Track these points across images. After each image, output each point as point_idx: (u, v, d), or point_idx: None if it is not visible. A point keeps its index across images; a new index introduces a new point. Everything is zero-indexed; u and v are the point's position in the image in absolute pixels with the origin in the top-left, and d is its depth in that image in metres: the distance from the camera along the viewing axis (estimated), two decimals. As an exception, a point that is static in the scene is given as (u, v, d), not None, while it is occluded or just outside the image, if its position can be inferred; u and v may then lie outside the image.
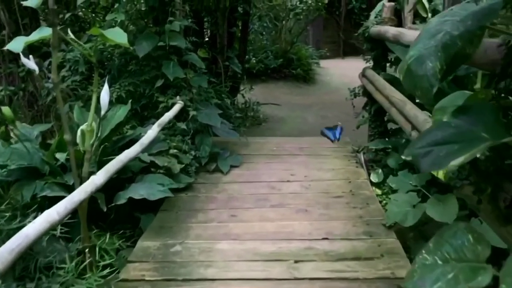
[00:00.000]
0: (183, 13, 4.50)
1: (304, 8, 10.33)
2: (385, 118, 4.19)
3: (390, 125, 4.33)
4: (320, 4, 10.13)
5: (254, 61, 9.81)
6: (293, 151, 4.63)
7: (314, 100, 9.02)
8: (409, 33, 2.83)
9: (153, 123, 4.11)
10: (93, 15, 5.79)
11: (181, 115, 4.15)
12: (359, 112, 4.61)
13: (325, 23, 13.86)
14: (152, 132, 3.20)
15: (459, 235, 1.32)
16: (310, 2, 10.28)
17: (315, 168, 4.12)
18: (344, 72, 11.69)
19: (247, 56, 8.36)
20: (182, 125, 3.98)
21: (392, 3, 4.11)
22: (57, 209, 1.78)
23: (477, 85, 3.33)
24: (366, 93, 4.21)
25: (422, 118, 2.42)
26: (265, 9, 9.97)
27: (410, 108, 2.66)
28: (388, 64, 4.24)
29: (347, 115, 7.81)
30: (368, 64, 4.26)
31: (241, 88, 7.40)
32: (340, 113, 7.94)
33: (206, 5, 6.21)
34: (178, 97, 4.10)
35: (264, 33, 11.67)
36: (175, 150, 3.92)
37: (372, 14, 11.58)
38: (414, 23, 11.39)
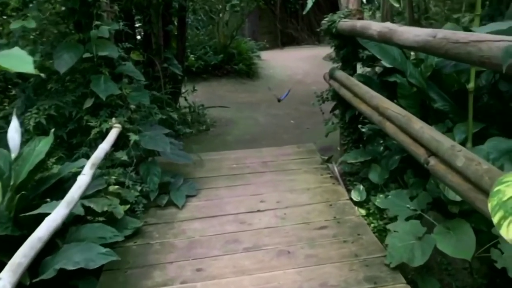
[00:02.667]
0: (112, 15, 3.61)
1: (240, -1, 9.57)
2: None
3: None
4: (256, -6, 9.41)
5: (193, 58, 8.93)
6: (256, 167, 3.92)
7: (261, 96, 8.34)
8: (404, 30, 2.20)
9: (85, 154, 3.29)
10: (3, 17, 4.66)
11: (120, 140, 3.30)
12: (329, 118, 3.94)
13: (260, 13, 13.18)
14: (84, 178, 2.36)
15: None
16: (246, -8, 9.53)
17: (286, 189, 3.44)
18: (285, 63, 11.11)
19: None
20: (123, 155, 3.14)
21: (358, -8, 3.48)
22: None
23: (471, 84, 2.81)
24: (337, 97, 3.57)
25: (448, 144, 1.80)
26: (199, 1, 9.09)
27: (421, 127, 2.03)
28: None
29: (298, 111, 7.24)
30: (335, 65, 3.60)
31: (183, 90, 6.56)
32: (290, 109, 7.35)
33: (137, 2, 5.29)
34: (113, 119, 3.25)
35: (200, 27, 10.80)
36: (116, 187, 3.09)
37: (309, 3, 11.05)
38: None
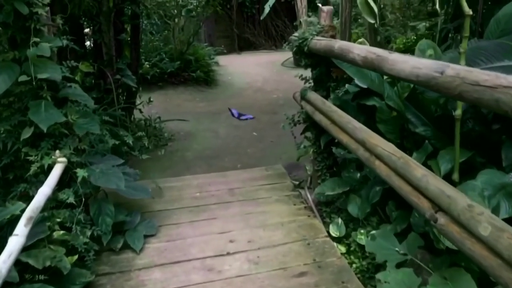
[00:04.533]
0: (55, 29, 3.07)
1: (196, 3, 9.07)
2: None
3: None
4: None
5: (148, 65, 8.35)
6: (222, 196, 3.50)
7: (220, 106, 7.91)
8: (398, 59, 1.86)
9: (21, 193, 2.77)
10: None
11: (65, 175, 2.80)
12: (301, 142, 3.57)
13: (216, 17, 12.70)
14: (17, 241, 1.86)
15: None
16: (202, -4, 9.05)
17: (258, 224, 3.05)
18: (244, 69, 10.72)
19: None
20: (69, 195, 2.64)
21: (331, 7, 3.13)
22: None
23: (458, 112, 2.55)
24: (310, 120, 3.21)
25: (463, 203, 1.47)
26: (153, 6, 8.52)
27: (424, 176, 1.70)
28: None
29: (259, 122, 6.87)
30: (307, 84, 3.24)
31: (138, 102, 6.02)
32: (252, 120, 6.97)
33: (86, 9, 4.73)
34: (57, 152, 2.73)
35: (154, 32, 10.19)
36: (62, 232, 2.58)
37: (266, 8, 10.76)
38: (308, 16, 10.75)
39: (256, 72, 10.49)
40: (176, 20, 8.97)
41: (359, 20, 10.68)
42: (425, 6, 7.41)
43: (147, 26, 10.16)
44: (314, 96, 3.01)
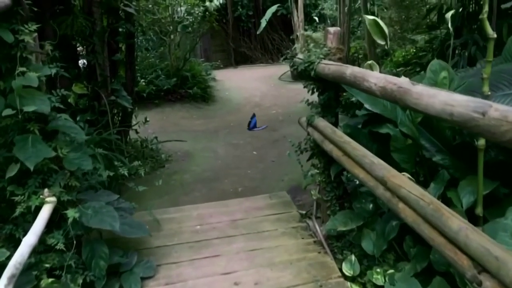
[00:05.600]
0: (43, 56, 2.84)
1: (192, 19, 8.87)
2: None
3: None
4: (209, 15, 8.75)
5: (144, 83, 8.13)
6: (224, 229, 3.24)
7: (218, 123, 7.68)
8: (424, 92, 1.63)
9: (10, 234, 2.51)
10: None
11: (55, 215, 2.55)
12: (308, 170, 3.32)
13: (212, 31, 12.53)
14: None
15: None
16: (198, 12, 8.86)
17: (264, 262, 2.79)
18: (241, 84, 10.51)
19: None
20: (58, 239, 2.39)
21: (338, 28, 2.92)
22: None
23: (482, 142, 2.33)
24: (318, 149, 2.97)
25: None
26: (148, 22, 8.32)
27: (463, 228, 1.46)
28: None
29: (258, 139, 6.64)
30: (313, 110, 3.00)
31: (134, 122, 5.78)
32: (251, 137, 6.74)
33: (79, 30, 4.52)
34: (46, 190, 2.48)
35: (150, 48, 10.00)
36: (51, 280, 2.34)
37: (263, 22, 10.59)
38: (305, 30, 10.57)
39: (254, 86, 10.29)
40: (172, 36, 8.77)
41: (357, 33, 10.54)
42: (424, 19, 7.25)
43: (142, 42, 9.97)
44: (322, 124, 2.78)
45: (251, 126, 7.22)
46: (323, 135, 2.75)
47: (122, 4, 4.89)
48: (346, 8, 8.08)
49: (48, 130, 2.66)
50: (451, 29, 3.10)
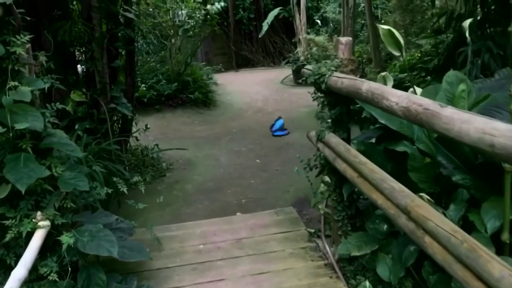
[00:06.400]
0: (37, 68, 2.65)
1: (193, 23, 8.69)
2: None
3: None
4: (211, 18, 8.56)
5: (144, 88, 7.94)
6: (229, 249, 3.05)
7: (220, 129, 7.49)
8: (456, 117, 1.44)
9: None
10: None
11: (49, 239, 2.36)
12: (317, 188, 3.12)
13: (213, 34, 12.37)
14: None
15: None
16: (199, 16, 8.67)
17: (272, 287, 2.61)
18: (242, 88, 10.32)
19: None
20: (52, 267, 2.20)
21: (350, 38, 2.73)
22: None
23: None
24: (329, 166, 2.78)
25: None
26: (149, 26, 8.14)
27: (505, 276, 1.29)
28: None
29: (262, 147, 6.44)
30: (323, 124, 2.81)
31: (134, 129, 5.60)
32: (254, 144, 6.55)
33: (77, 36, 4.35)
34: (39, 214, 2.30)
35: (150, 51, 9.81)
36: (44, 312, 2.15)
37: (264, 26, 10.38)
38: (307, 33, 10.41)
39: (256, 90, 10.10)
40: (173, 40, 8.58)
41: (360, 36, 10.37)
42: (434, 24, 7.07)
43: (143, 46, 9.77)
44: (334, 140, 2.59)
45: (274, 129, 6.93)
46: (335, 152, 2.56)
47: (121, 9, 4.72)
48: (350, 12, 7.93)
49: (41, 149, 2.48)
50: (468, 38, 2.91)
